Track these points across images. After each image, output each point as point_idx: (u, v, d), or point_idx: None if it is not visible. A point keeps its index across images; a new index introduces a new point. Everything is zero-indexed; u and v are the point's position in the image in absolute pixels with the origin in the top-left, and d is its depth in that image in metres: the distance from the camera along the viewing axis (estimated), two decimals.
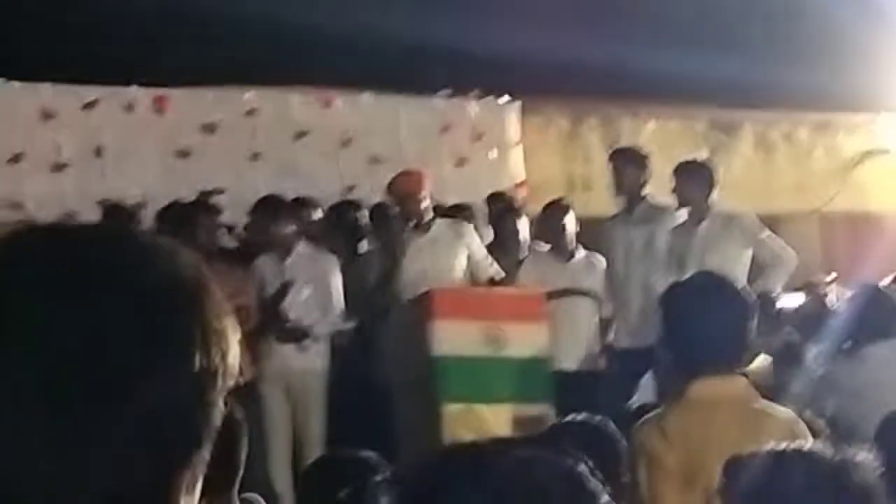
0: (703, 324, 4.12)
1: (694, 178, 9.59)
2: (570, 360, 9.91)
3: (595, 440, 4.87)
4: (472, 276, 9.82)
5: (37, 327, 1.24)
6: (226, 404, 1.32)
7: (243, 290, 9.38)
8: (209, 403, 1.30)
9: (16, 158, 10.83)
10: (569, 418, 5.50)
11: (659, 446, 4.03)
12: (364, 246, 10.46)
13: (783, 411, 4.17)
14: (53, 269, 1.27)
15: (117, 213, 9.83)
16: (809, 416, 4.60)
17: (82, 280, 1.27)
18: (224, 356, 1.32)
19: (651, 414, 4.30)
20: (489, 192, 11.67)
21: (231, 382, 1.33)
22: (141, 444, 1.25)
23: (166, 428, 1.26)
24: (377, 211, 10.57)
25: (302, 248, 9.71)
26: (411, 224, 9.72)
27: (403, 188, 9.83)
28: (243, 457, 2.89)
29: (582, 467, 1.68)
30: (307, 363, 9.57)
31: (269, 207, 9.82)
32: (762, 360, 9.31)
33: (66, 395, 1.23)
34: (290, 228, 9.68)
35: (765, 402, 4.13)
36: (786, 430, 3.90)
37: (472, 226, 10.08)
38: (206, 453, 1.31)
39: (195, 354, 1.28)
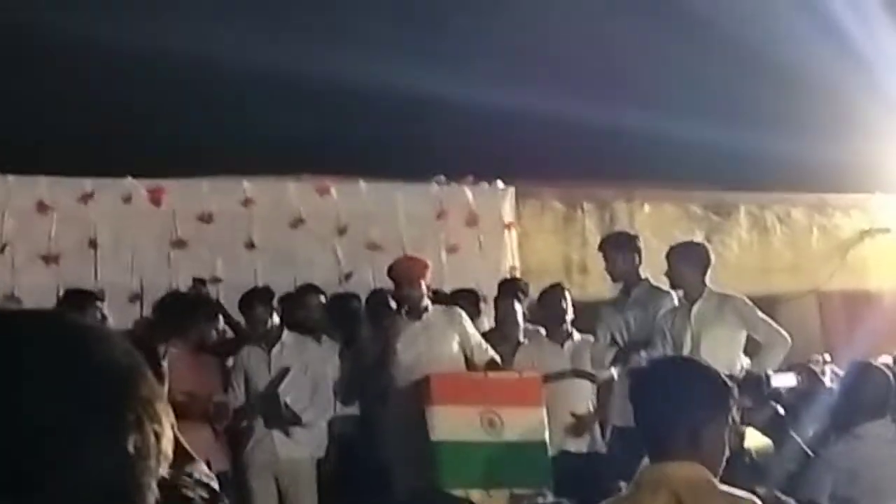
0: (657, 408, 4.11)
1: (687, 260, 9.58)
2: (568, 442, 9.96)
3: None
4: (469, 361, 9.83)
5: None
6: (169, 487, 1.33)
7: (220, 386, 9.47)
8: (143, 485, 1.31)
9: (10, 250, 10.87)
10: (536, 500, 5.52)
11: None
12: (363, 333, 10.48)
13: (743, 494, 4.13)
14: None
15: (78, 299, 9.78)
16: (768, 494, 4.56)
17: (18, 363, 1.28)
18: (158, 439, 1.33)
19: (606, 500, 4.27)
20: (485, 276, 11.71)
21: (165, 466, 1.34)
22: None
23: None
24: (373, 298, 10.60)
25: (287, 337, 9.77)
26: (405, 309, 9.76)
27: (404, 273, 9.86)
28: None
29: None
30: (296, 452, 9.60)
31: (253, 300, 9.88)
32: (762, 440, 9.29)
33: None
34: (273, 319, 9.74)
35: (724, 487, 4.08)
36: None
37: (463, 312, 10.07)
38: None
39: (129, 437, 1.29)
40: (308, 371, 9.73)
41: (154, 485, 1.33)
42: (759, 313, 9.50)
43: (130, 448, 1.29)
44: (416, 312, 9.74)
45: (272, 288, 10.20)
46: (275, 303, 9.92)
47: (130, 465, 1.30)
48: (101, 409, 1.29)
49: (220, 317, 10.09)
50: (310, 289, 10.43)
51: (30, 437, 1.25)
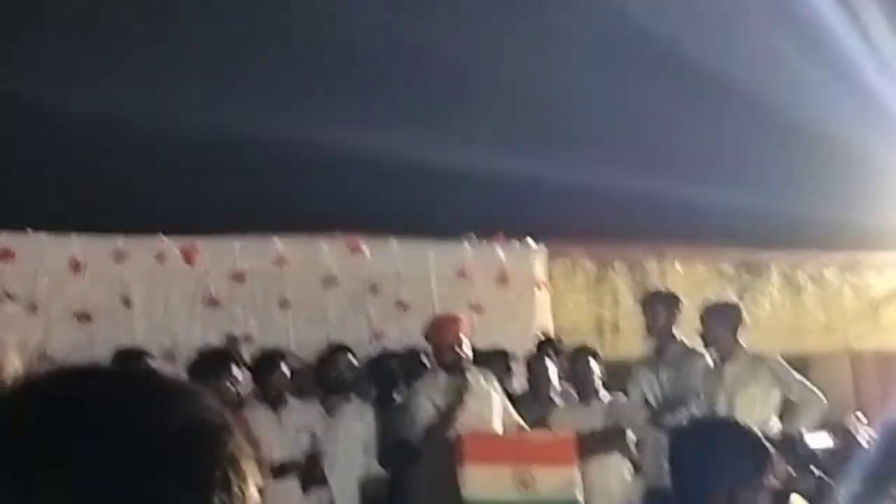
0: (695, 469, 4.10)
1: (720, 320, 9.56)
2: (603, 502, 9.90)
3: None
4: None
5: (60, 464, 1.26)
6: None
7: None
8: None
9: (44, 309, 10.88)
10: None
11: None
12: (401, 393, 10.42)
13: None
14: (79, 410, 1.30)
15: (130, 357, 9.73)
16: None
17: (105, 420, 1.29)
18: (244, 497, 1.33)
19: None
20: (516, 335, 11.68)
21: None
22: None
23: None
24: (408, 357, 10.58)
25: (290, 399, 9.75)
26: (444, 369, 9.64)
27: (441, 333, 9.79)
28: None
29: None
30: None
31: (276, 361, 9.84)
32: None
33: None
34: (284, 380, 9.73)
35: None
36: None
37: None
38: None
39: (215, 495, 1.30)
40: (316, 432, 9.70)
41: None
42: (794, 373, 9.46)
43: None
44: (460, 372, 9.62)
45: (305, 347, 10.17)
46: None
47: None
48: (188, 466, 1.30)
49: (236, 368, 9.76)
50: (340, 348, 10.37)
51: (110, 495, 1.26)
